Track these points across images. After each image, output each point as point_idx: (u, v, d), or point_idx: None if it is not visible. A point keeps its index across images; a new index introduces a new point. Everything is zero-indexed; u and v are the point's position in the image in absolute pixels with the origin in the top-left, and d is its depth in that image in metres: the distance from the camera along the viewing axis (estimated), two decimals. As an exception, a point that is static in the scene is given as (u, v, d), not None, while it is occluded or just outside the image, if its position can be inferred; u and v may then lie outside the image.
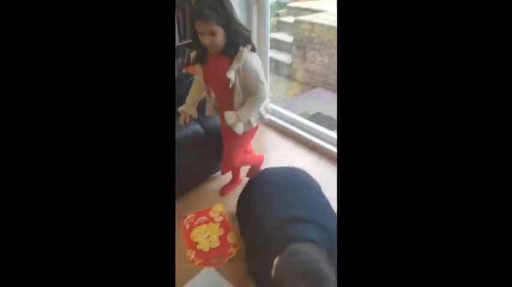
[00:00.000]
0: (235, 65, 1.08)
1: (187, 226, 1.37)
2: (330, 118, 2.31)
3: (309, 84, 3.08)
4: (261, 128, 2.09)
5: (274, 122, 2.04)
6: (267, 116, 1.29)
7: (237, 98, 1.15)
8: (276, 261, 0.78)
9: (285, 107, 2.13)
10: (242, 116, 1.17)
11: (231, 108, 1.17)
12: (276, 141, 1.96)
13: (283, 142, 1.95)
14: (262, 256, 0.91)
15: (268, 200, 1.00)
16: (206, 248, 1.28)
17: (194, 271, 1.18)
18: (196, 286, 1.11)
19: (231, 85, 1.11)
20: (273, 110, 2.08)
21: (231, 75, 1.08)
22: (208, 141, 1.47)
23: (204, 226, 1.38)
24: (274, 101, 2.21)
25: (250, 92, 1.16)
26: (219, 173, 1.63)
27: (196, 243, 1.30)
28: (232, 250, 1.28)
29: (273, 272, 0.78)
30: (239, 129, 1.19)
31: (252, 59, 1.09)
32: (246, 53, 1.07)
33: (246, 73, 1.09)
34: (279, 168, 1.21)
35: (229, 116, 1.17)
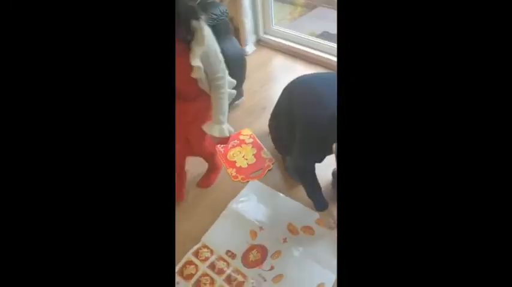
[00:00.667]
0: (198, 50, 0.90)
1: (222, 150, 1.48)
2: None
3: (308, 7, 2.90)
4: (269, 54, 2.07)
5: (282, 45, 2.00)
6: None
7: (204, 88, 1.00)
8: (334, 146, 0.88)
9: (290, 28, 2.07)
10: (223, 119, 1.03)
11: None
12: (286, 65, 1.95)
13: (293, 64, 1.94)
14: (318, 148, 1.02)
15: (313, 96, 1.05)
16: (244, 165, 1.41)
17: (240, 185, 1.32)
18: (246, 195, 1.26)
19: (196, 76, 0.94)
20: (280, 31, 2.03)
21: (197, 62, 0.90)
22: (230, 67, 1.48)
23: (237, 148, 1.49)
24: (278, 24, 2.14)
25: (210, 79, 1.00)
26: (241, 99, 1.68)
27: (235, 162, 1.43)
28: (268, 163, 1.42)
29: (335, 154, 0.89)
30: (227, 132, 1.06)
31: (209, 35, 0.92)
32: (205, 29, 0.90)
33: (206, 56, 0.92)
34: (307, 75, 1.23)
35: (214, 129, 1.03)
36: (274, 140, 1.38)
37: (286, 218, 1.19)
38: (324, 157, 1.10)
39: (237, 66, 1.46)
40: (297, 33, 1.99)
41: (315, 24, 2.53)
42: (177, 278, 1.03)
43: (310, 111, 1.01)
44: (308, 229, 1.15)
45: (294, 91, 1.14)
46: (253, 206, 1.23)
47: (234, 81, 1.12)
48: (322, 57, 1.85)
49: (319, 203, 1.15)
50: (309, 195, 1.18)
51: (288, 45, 1.97)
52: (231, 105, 1.66)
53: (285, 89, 1.23)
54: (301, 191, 1.26)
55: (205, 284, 1.01)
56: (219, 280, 1.03)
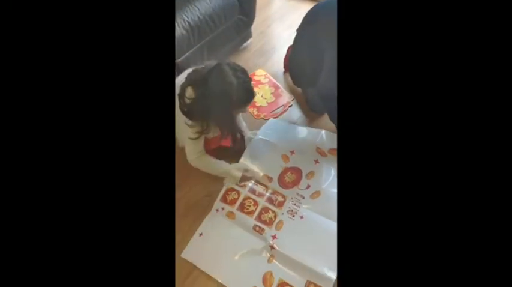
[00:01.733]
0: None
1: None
2: None
3: None
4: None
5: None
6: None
7: None
8: None
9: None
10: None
11: None
12: (290, 5, 1.89)
13: (296, 3, 1.89)
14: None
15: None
16: (264, 104, 1.44)
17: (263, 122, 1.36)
18: (269, 128, 1.30)
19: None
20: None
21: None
22: (242, 8, 1.45)
23: (255, 89, 1.51)
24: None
25: None
26: (250, 41, 1.67)
27: (255, 102, 1.45)
28: (288, 100, 1.45)
29: None
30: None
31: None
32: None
33: None
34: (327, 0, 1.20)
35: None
36: (294, 74, 1.40)
37: (313, 143, 1.25)
38: None
39: (245, 3, 1.44)
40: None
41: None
42: (222, 204, 1.10)
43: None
44: (335, 151, 1.22)
45: (319, 17, 1.13)
46: (280, 135, 1.28)
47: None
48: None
49: None
50: (333, 119, 1.25)
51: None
52: (240, 48, 1.68)
53: (306, 18, 1.22)
54: (322, 123, 1.33)
55: (249, 206, 1.10)
56: (262, 201, 1.11)
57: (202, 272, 0.97)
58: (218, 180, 1.16)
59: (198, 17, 1.28)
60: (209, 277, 0.96)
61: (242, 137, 1.14)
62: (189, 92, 0.99)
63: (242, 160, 1.19)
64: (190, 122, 1.02)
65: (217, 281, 0.95)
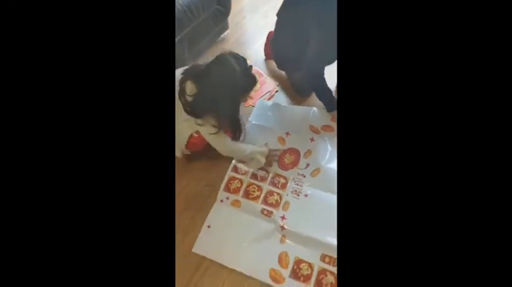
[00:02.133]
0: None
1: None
2: None
3: None
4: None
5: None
6: None
7: None
8: None
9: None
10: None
11: None
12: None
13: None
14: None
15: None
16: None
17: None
18: (260, 110, 1.31)
19: None
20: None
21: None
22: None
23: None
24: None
25: None
26: (227, 32, 1.65)
27: (241, 91, 1.46)
28: (274, 86, 1.46)
29: None
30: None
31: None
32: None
33: None
34: None
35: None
36: (279, 58, 1.40)
37: (306, 121, 1.28)
38: (336, 57, 1.16)
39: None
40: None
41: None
42: (226, 194, 1.09)
43: (325, 11, 1.03)
44: (328, 127, 1.26)
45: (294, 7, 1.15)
46: (272, 118, 1.29)
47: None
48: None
49: (331, 103, 1.26)
50: (321, 98, 1.28)
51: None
52: (218, 40, 1.66)
53: (286, 2, 1.23)
54: (309, 105, 1.36)
55: (253, 192, 1.09)
56: (265, 185, 1.11)
57: (212, 262, 0.95)
58: (215, 170, 1.15)
59: (177, 8, 1.25)
60: (220, 267, 0.94)
61: (242, 126, 1.13)
62: (190, 88, 0.96)
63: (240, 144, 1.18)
64: (199, 121, 0.99)
65: (228, 269, 0.94)
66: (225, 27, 1.63)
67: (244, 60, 0.98)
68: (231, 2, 1.54)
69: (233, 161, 1.17)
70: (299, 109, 1.33)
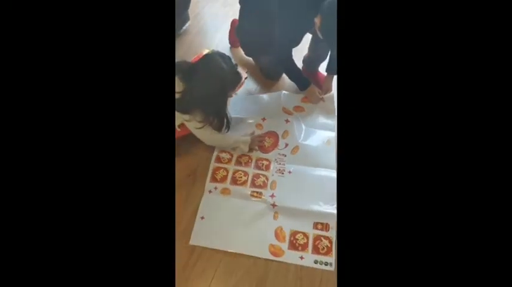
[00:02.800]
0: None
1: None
2: None
3: None
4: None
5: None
6: None
7: None
8: (317, 19, 1.00)
9: None
10: None
11: None
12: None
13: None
14: (301, 27, 1.13)
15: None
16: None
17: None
18: (232, 107, 1.28)
19: None
20: None
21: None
22: None
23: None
24: None
25: None
26: (188, 24, 1.62)
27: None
28: (243, 73, 1.48)
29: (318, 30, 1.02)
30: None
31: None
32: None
33: None
34: None
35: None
36: (246, 44, 1.42)
37: (278, 105, 1.33)
38: (303, 37, 1.22)
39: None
40: None
41: None
42: (214, 184, 1.10)
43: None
44: (299, 108, 1.33)
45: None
46: (247, 109, 1.32)
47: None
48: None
49: (303, 82, 1.32)
50: (293, 78, 1.34)
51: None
52: (180, 32, 1.62)
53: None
54: (279, 88, 1.41)
55: (240, 177, 1.12)
56: (250, 169, 1.15)
57: (203, 248, 0.97)
58: (195, 158, 1.16)
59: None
60: (213, 251, 0.96)
61: (230, 119, 1.15)
62: (177, 84, 0.99)
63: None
64: (187, 117, 1.03)
65: (221, 252, 0.96)
66: (186, 19, 1.60)
67: (229, 58, 1.06)
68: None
69: (215, 152, 1.19)
70: (270, 95, 1.37)
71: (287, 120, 1.28)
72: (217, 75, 1.01)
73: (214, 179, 1.12)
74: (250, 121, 1.27)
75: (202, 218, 1.04)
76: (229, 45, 1.57)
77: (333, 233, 1.00)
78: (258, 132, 1.24)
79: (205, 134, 1.11)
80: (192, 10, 1.67)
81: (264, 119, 1.28)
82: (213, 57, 1.04)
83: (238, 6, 1.37)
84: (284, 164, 1.16)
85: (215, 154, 1.18)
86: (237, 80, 1.07)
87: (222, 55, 1.06)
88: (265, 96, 1.38)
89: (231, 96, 1.15)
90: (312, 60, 1.43)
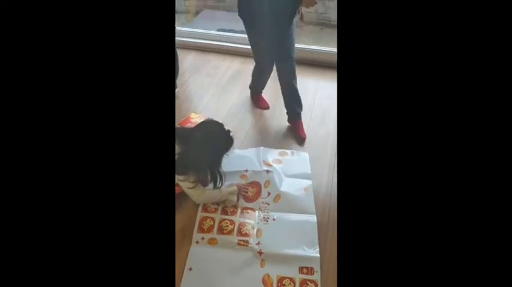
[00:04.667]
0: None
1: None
2: (236, 30, 2.62)
3: (190, 12, 3.21)
4: (183, 52, 2.25)
5: (191, 43, 2.25)
6: None
7: None
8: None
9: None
10: None
11: None
12: (201, 58, 2.19)
13: (207, 57, 2.21)
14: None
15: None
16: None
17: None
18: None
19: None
20: (186, 32, 2.28)
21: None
22: None
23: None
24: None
25: None
26: (177, 90, 1.83)
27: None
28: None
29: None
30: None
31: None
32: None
33: None
34: None
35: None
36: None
37: (258, 158, 1.46)
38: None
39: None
40: (202, 31, 2.31)
41: (208, 24, 2.87)
42: (201, 234, 1.13)
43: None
44: (277, 161, 1.47)
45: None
46: (231, 164, 1.39)
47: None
48: (231, 47, 2.21)
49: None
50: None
51: (197, 43, 2.25)
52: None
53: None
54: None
55: (227, 226, 1.17)
56: (236, 218, 1.20)
57: None
58: (185, 212, 1.21)
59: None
60: None
61: (223, 176, 1.24)
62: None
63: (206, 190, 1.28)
64: (181, 177, 1.13)
65: None
66: (175, 86, 1.82)
67: (222, 124, 1.21)
68: (179, 65, 1.79)
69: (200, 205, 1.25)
70: (249, 152, 1.51)
71: (268, 171, 1.40)
72: (213, 140, 1.14)
73: (201, 229, 1.16)
74: (235, 172, 1.37)
75: (190, 269, 1.04)
76: (213, 111, 1.75)
77: (317, 277, 1.03)
78: (242, 182, 1.34)
79: (196, 194, 1.20)
80: (179, 79, 1.92)
81: (247, 170, 1.39)
82: (208, 123, 1.19)
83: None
84: (268, 212, 1.23)
85: (201, 204, 1.24)
86: (230, 144, 1.21)
87: (216, 122, 1.21)
88: (244, 152, 1.51)
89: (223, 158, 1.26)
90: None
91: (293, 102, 1.60)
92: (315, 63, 2.05)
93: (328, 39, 2.70)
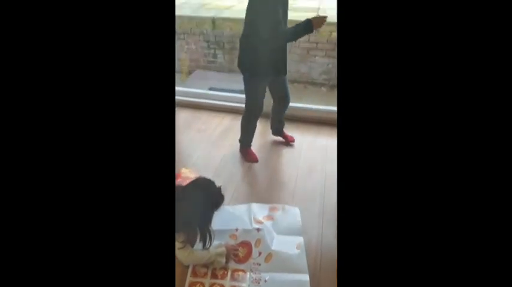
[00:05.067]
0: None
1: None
2: (226, 89, 2.79)
3: (183, 72, 3.45)
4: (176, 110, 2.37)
5: (183, 101, 2.39)
6: None
7: None
8: None
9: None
10: None
11: None
12: (193, 116, 2.31)
13: (198, 115, 2.34)
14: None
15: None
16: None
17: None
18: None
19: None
20: (179, 91, 2.43)
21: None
22: None
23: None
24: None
25: None
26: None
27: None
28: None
29: None
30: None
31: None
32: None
33: None
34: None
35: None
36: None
37: (249, 216, 1.47)
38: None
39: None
40: (195, 90, 2.48)
41: (200, 83, 3.09)
42: (189, 301, 1.06)
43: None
44: (268, 217, 1.48)
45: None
46: (220, 222, 1.39)
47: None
48: (222, 105, 2.35)
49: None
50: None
51: (190, 101, 2.40)
52: None
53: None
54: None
55: (217, 291, 1.12)
56: (227, 282, 1.17)
57: None
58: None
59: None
60: None
61: (213, 234, 1.23)
62: None
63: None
64: None
65: None
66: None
67: (213, 182, 1.24)
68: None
69: (191, 265, 1.21)
70: (240, 207, 1.53)
71: (258, 229, 1.40)
72: (204, 199, 1.16)
73: (190, 295, 1.10)
74: (225, 231, 1.36)
75: None
76: (203, 164, 1.82)
77: None
78: (232, 242, 1.33)
79: (184, 255, 1.18)
80: (172, 136, 2.00)
81: (237, 230, 1.39)
82: (199, 183, 1.21)
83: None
84: (260, 273, 1.21)
85: (191, 267, 1.21)
86: (221, 202, 1.23)
87: (208, 180, 1.24)
88: (234, 208, 1.53)
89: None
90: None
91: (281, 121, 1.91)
92: (299, 120, 2.21)
93: (312, 97, 2.95)
